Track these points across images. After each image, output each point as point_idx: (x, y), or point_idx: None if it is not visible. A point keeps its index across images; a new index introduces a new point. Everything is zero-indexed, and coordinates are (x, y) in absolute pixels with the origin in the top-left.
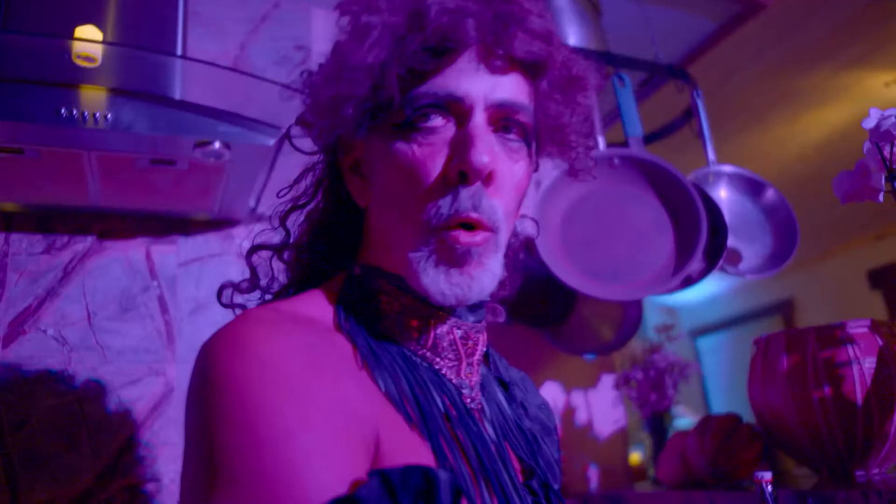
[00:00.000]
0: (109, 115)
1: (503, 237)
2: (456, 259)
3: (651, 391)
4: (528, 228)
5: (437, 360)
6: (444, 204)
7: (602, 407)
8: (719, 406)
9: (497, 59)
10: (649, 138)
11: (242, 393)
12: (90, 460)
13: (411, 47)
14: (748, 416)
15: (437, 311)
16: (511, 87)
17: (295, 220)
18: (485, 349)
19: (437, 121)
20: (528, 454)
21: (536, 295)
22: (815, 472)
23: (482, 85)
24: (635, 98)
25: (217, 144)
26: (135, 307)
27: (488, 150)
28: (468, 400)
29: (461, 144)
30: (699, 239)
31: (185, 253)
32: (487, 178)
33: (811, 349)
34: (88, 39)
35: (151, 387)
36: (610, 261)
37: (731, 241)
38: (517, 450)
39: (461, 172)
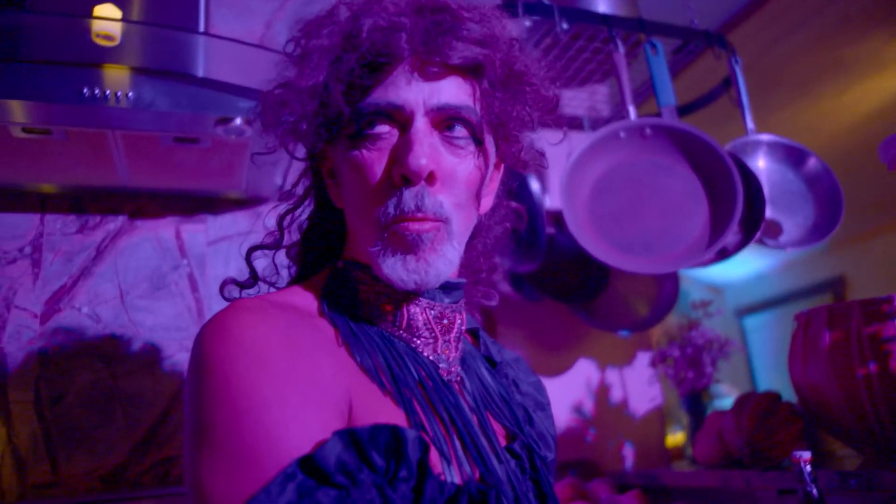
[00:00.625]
0: (131, 94)
1: (456, 226)
2: (408, 246)
3: (688, 369)
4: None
5: (414, 339)
6: (391, 204)
7: (638, 385)
8: (766, 386)
9: (433, 66)
10: (685, 109)
11: (225, 371)
12: (125, 434)
13: (348, 66)
14: (793, 396)
15: (408, 295)
16: (449, 91)
17: (292, 220)
18: (463, 327)
19: (382, 128)
20: (512, 422)
21: (569, 270)
22: (858, 452)
23: (420, 92)
24: (670, 67)
25: (238, 121)
26: (165, 285)
27: (428, 152)
28: (444, 373)
29: (402, 149)
30: (735, 210)
31: (213, 231)
32: (430, 178)
33: (856, 324)
34: (107, 18)
35: (182, 363)
36: (641, 234)
37: (771, 213)
38: (499, 418)
39: (402, 175)
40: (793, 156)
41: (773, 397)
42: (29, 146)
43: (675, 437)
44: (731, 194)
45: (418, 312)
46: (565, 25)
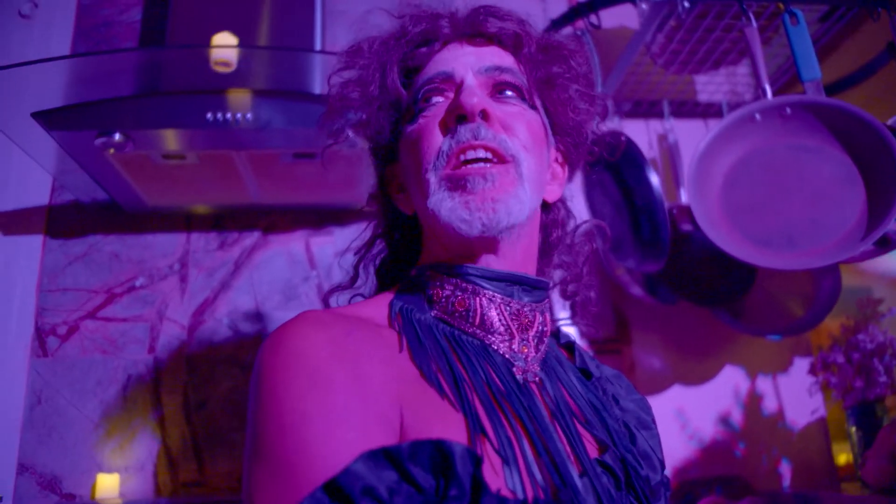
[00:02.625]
0: (249, 115)
1: (526, 170)
2: (468, 185)
3: (856, 377)
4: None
5: (489, 336)
6: (445, 143)
7: (795, 395)
8: None
9: (476, 37)
10: (837, 87)
11: (273, 383)
12: None
13: (399, 51)
14: None
15: (478, 289)
16: (493, 56)
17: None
18: (545, 328)
19: (436, 99)
20: (603, 433)
21: (708, 269)
22: None
23: (466, 60)
24: (817, 38)
25: (350, 133)
26: (296, 296)
27: (479, 94)
28: (519, 372)
29: (453, 99)
30: None
31: (340, 243)
32: (485, 116)
33: None
34: (224, 45)
35: None
36: (783, 226)
37: None
38: (588, 427)
39: (456, 116)
40: None
41: None
42: (169, 171)
43: (845, 455)
44: (892, 174)
45: (492, 308)
46: (687, 3)
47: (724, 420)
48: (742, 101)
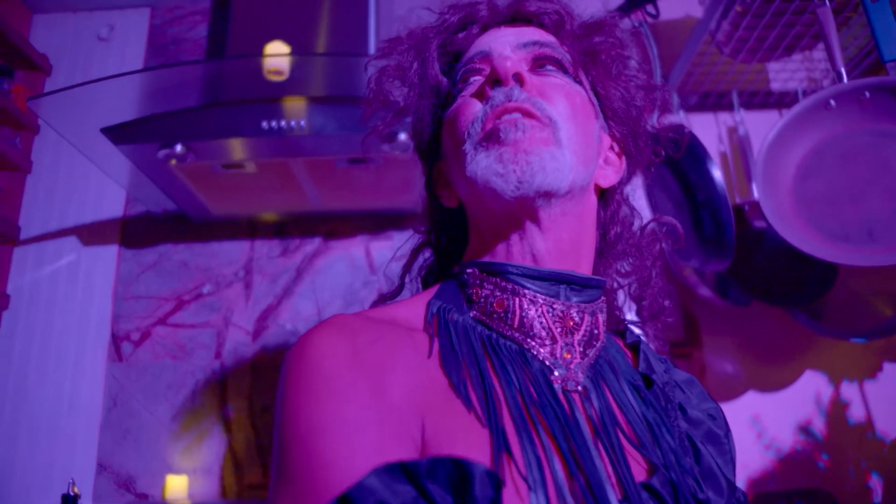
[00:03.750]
0: (303, 122)
1: (566, 135)
2: (500, 134)
3: None
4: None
5: (528, 340)
6: (480, 110)
7: (885, 403)
8: None
9: (514, 18)
10: None
11: (292, 392)
12: None
13: (440, 38)
14: None
15: (519, 289)
16: (532, 33)
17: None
18: (598, 331)
19: (475, 79)
20: (654, 451)
21: (784, 266)
22: None
23: (506, 38)
24: None
25: (402, 136)
26: (357, 301)
27: (516, 59)
28: (559, 381)
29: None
30: None
31: (399, 247)
32: (520, 81)
33: None
34: (276, 55)
35: None
36: (863, 219)
37: None
38: (641, 445)
39: (491, 81)
40: None
41: None
42: (230, 180)
43: None
44: None
45: (533, 309)
46: None
47: (805, 429)
48: (820, 87)
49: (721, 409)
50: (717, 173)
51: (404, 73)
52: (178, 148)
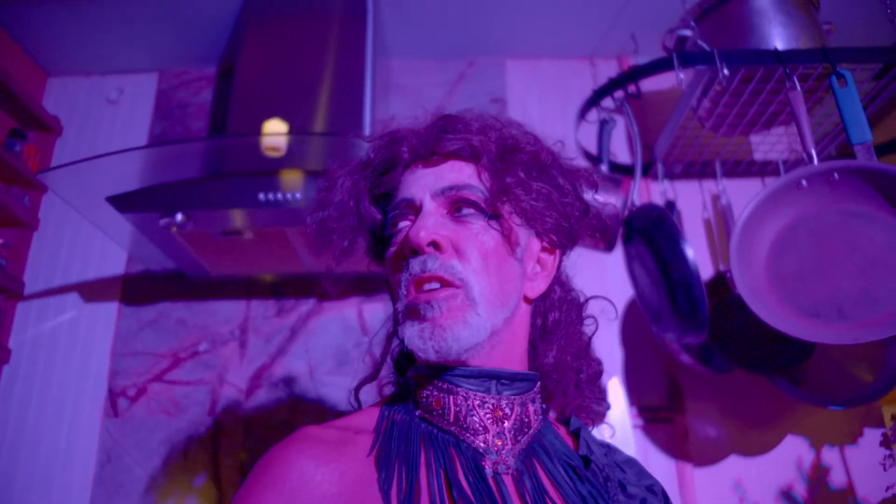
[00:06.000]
0: (299, 195)
1: (478, 293)
2: (419, 314)
3: None
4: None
5: (464, 432)
6: (403, 276)
7: (866, 468)
8: None
9: (434, 159)
10: (893, 146)
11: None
12: None
13: (367, 181)
14: None
15: (453, 388)
16: (451, 175)
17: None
18: (528, 419)
19: (402, 224)
20: None
21: (764, 335)
22: None
23: (425, 183)
24: (871, 96)
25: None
26: (348, 361)
27: (429, 224)
28: (490, 466)
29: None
30: None
31: (391, 309)
32: (437, 247)
33: None
34: (274, 134)
35: None
36: (833, 296)
37: None
38: None
39: (409, 248)
40: None
41: None
42: (228, 245)
43: None
44: None
45: (466, 404)
46: (726, 71)
47: (787, 493)
48: (800, 158)
49: (661, 485)
50: (689, 252)
51: (343, 221)
52: (179, 217)
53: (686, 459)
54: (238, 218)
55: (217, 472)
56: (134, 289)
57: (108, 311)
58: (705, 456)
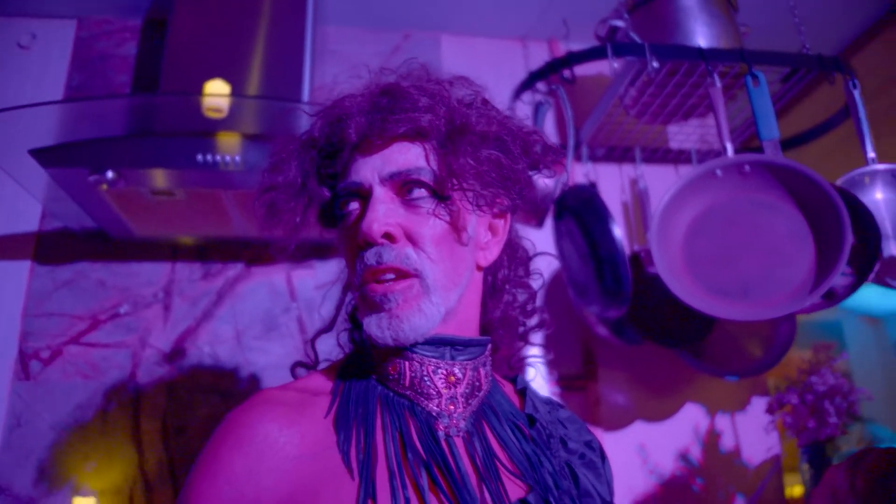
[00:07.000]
0: (238, 157)
1: (432, 281)
2: (376, 306)
3: (809, 418)
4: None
5: (418, 396)
6: (357, 265)
7: (752, 433)
8: None
9: (381, 141)
10: (800, 140)
11: (197, 461)
12: None
13: (314, 162)
14: None
15: (409, 354)
16: (399, 158)
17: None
18: (480, 383)
19: (353, 206)
20: (530, 476)
21: (672, 311)
22: None
23: (374, 166)
24: (780, 96)
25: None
26: (277, 327)
27: (381, 216)
28: (442, 429)
29: (361, 221)
30: (842, 249)
31: (321, 276)
32: (389, 238)
33: None
34: (216, 94)
35: None
36: (740, 278)
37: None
38: (521, 475)
39: (363, 240)
40: None
41: None
42: (158, 205)
43: (797, 490)
44: (838, 232)
45: (421, 370)
46: (656, 64)
47: (684, 456)
48: (711, 149)
49: (598, 440)
50: (617, 232)
51: (292, 194)
52: (110, 174)
53: (597, 425)
54: (172, 178)
55: (138, 437)
56: (49, 247)
57: (19, 270)
58: (614, 421)
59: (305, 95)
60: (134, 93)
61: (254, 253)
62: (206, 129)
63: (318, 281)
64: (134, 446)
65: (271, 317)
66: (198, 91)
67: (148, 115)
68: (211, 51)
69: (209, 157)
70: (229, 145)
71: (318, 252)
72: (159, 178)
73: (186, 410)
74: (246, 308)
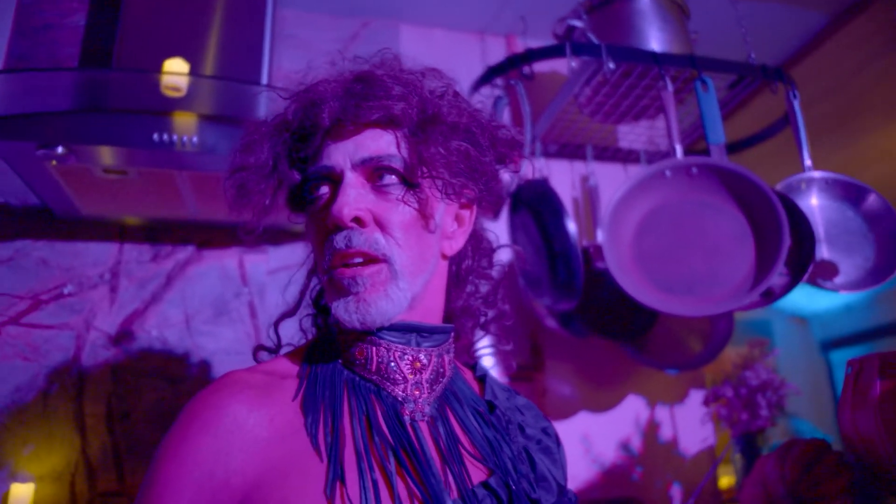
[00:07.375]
0: (196, 139)
1: (400, 266)
2: (344, 290)
3: (742, 410)
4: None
5: (384, 381)
6: (326, 249)
7: (689, 424)
8: None
9: (354, 127)
10: (743, 144)
11: (164, 441)
12: None
13: (286, 144)
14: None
15: (376, 340)
16: (371, 144)
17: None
18: (443, 369)
19: (323, 190)
20: (491, 460)
21: (617, 306)
22: None
23: (346, 151)
24: (727, 102)
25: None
26: (227, 312)
27: (351, 200)
28: (407, 413)
29: (330, 202)
30: (780, 251)
31: (274, 261)
32: (359, 222)
33: None
34: (175, 73)
35: None
36: (685, 275)
37: (827, 253)
38: (483, 458)
39: (333, 223)
40: (850, 193)
41: (821, 445)
42: (109, 184)
43: (728, 480)
44: (777, 234)
45: (388, 356)
46: (612, 65)
47: (625, 446)
48: (658, 150)
49: (553, 427)
50: (571, 227)
51: (262, 176)
52: (60, 150)
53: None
54: (126, 156)
55: (82, 421)
56: None
57: None
58: (560, 412)
59: (264, 78)
60: (83, 66)
61: (206, 236)
62: (164, 108)
63: (271, 266)
64: (77, 431)
65: (222, 301)
66: (154, 68)
67: (100, 91)
68: (167, 28)
69: (165, 137)
70: (186, 125)
71: (271, 237)
72: (112, 155)
73: (132, 395)
74: (196, 292)
